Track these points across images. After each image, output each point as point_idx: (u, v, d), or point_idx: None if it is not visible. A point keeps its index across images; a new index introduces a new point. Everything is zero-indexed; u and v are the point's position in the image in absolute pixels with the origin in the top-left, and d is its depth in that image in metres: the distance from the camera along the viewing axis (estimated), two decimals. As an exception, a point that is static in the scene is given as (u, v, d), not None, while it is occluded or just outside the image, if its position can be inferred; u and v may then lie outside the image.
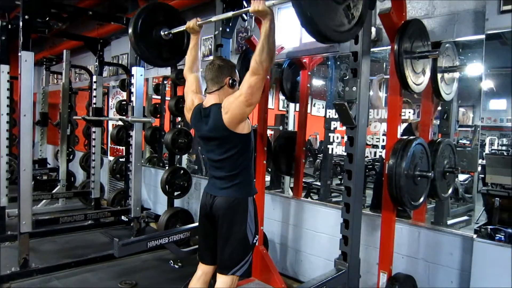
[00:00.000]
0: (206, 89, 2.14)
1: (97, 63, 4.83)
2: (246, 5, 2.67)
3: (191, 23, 2.32)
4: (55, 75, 7.49)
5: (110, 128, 5.96)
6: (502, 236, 2.20)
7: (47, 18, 3.81)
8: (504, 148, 2.46)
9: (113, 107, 5.85)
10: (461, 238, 2.45)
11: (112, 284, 3.30)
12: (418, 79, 2.26)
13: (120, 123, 4.68)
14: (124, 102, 5.03)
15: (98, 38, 4.93)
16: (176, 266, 3.67)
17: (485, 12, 2.11)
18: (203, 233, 2.23)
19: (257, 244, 2.30)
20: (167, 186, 4.10)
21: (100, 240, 4.46)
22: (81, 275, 3.44)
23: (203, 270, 2.23)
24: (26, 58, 3.20)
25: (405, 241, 2.68)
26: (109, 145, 6.15)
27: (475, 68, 2.86)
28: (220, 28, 2.73)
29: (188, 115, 2.23)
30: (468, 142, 5.50)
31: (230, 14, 2.25)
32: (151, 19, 2.61)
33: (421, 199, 2.36)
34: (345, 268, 2.12)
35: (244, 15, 2.68)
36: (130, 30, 2.54)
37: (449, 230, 2.59)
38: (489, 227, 2.26)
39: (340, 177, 6.33)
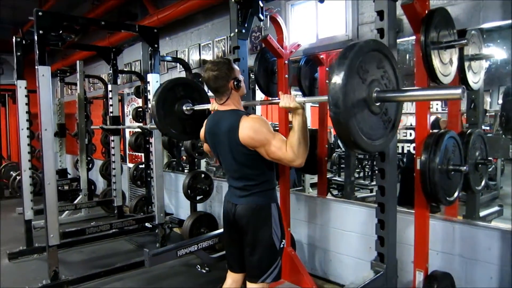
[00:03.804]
0: (216, 100, 2.07)
1: (111, 72, 4.84)
2: (261, 5, 2.62)
3: (215, 106, 2.17)
4: (70, 86, 7.56)
5: (127, 135, 5.98)
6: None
7: (60, 31, 3.82)
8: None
9: (129, 114, 5.86)
10: (499, 232, 2.37)
11: (142, 292, 3.32)
12: (446, 70, 2.17)
13: (138, 130, 4.69)
14: (140, 109, 5.03)
15: (111, 47, 4.94)
16: (204, 271, 3.66)
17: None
18: (229, 242, 2.19)
19: (284, 247, 2.26)
20: (189, 191, 4.09)
21: (125, 248, 4.49)
22: (111, 284, 3.46)
23: (233, 279, 2.20)
24: (43, 73, 3.20)
25: (439, 237, 2.61)
26: (127, 152, 6.18)
27: (497, 53, 2.77)
28: (236, 30, 2.67)
29: (202, 133, 2.21)
30: (488, 128, 5.36)
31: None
32: (172, 96, 2.62)
33: (456, 194, 2.28)
34: (382, 270, 2.06)
35: (260, 15, 2.62)
36: (154, 111, 2.56)
37: (486, 224, 2.51)
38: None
39: (358, 170, 6.27)
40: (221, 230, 3.30)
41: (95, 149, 7.32)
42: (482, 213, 3.07)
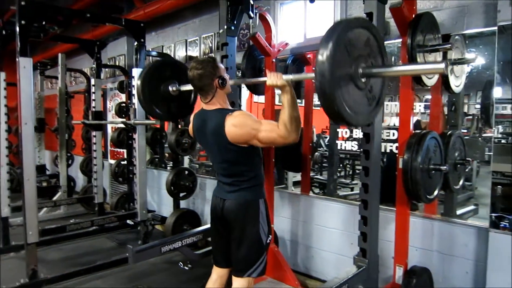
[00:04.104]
0: (201, 99, 2.08)
1: (94, 66, 4.75)
2: (251, 2, 2.63)
3: None
4: (50, 79, 7.38)
5: (109, 130, 5.89)
6: (507, 224, 2.22)
7: (43, 22, 3.73)
8: (499, 136, 2.46)
9: (112, 110, 5.77)
10: (475, 229, 2.46)
11: (124, 289, 3.27)
12: (430, 73, 2.25)
13: (121, 125, 4.63)
14: (124, 104, 4.96)
15: (95, 40, 4.85)
16: (186, 268, 3.65)
17: (496, 3, 2.10)
18: (216, 236, 2.21)
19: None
20: (172, 188, 4.06)
21: (106, 245, 4.43)
22: (91, 283, 3.40)
23: (218, 274, 2.22)
24: (25, 65, 3.13)
25: (418, 233, 2.69)
26: (108, 147, 6.08)
27: (478, 58, 2.85)
28: (225, 26, 2.68)
29: (190, 129, 2.23)
30: (466, 131, 5.53)
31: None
32: (158, 76, 2.60)
33: (436, 192, 2.37)
34: (365, 265, 2.11)
35: (250, 13, 2.64)
36: (139, 90, 2.56)
37: (463, 221, 2.61)
38: (493, 214, 2.27)
39: (339, 169, 6.36)
40: (206, 226, 3.31)
41: (74, 145, 7.17)
42: (459, 212, 3.18)
